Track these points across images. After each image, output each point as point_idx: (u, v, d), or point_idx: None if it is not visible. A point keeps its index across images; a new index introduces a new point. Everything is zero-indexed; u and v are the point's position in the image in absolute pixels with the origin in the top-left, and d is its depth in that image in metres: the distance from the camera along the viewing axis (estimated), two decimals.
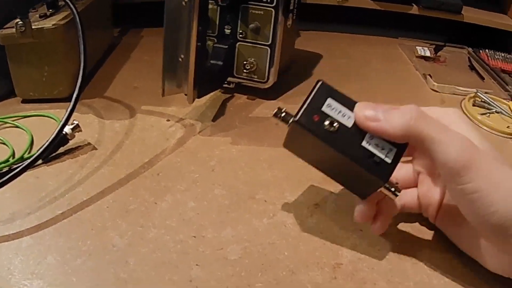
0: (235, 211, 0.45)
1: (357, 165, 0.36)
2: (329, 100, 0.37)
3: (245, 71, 0.64)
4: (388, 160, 0.36)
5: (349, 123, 0.36)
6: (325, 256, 0.41)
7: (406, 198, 0.44)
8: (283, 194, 0.48)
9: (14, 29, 0.56)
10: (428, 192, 0.43)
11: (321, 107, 0.37)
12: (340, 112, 0.37)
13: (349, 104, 0.37)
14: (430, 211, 0.43)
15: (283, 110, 0.38)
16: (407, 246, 0.42)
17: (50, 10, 0.62)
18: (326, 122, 0.36)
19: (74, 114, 0.49)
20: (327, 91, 0.37)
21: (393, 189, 0.37)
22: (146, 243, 0.40)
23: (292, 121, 0.37)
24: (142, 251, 0.40)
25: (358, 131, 0.37)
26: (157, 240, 0.41)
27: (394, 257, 0.41)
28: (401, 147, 0.37)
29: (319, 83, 0.38)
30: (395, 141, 0.36)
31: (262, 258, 0.40)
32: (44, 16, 0.60)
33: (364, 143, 0.36)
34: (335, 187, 0.48)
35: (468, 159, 0.33)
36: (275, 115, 0.38)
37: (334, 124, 0.36)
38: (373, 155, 0.36)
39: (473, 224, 0.36)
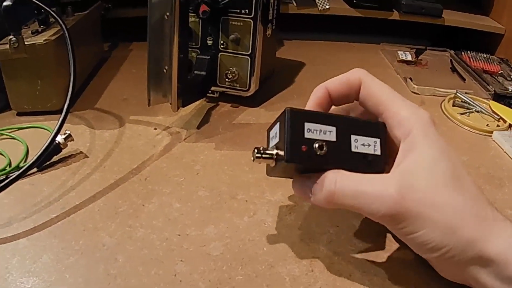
0: (217, 210, 0.47)
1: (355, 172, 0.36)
2: (307, 125, 0.35)
3: (227, 80, 0.65)
4: (378, 153, 0.37)
5: (333, 137, 0.36)
6: (302, 251, 0.42)
7: None
8: (263, 194, 0.50)
9: (8, 45, 0.57)
10: None
11: (303, 135, 0.35)
12: (321, 131, 0.35)
13: (325, 119, 0.36)
14: None
15: (261, 150, 0.36)
16: (382, 240, 0.44)
17: (42, 27, 0.63)
18: (316, 146, 0.35)
19: (67, 125, 0.51)
20: (300, 117, 0.35)
21: None
22: (134, 242, 0.42)
23: (282, 161, 0.35)
24: (130, 249, 0.41)
25: (344, 140, 0.36)
26: (144, 239, 0.43)
27: (370, 251, 0.43)
28: (380, 134, 0.38)
29: (288, 112, 0.35)
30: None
31: (243, 253, 0.42)
32: (36, 33, 0.62)
33: (353, 149, 0.36)
34: None
35: (396, 212, 0.33)
36: (257, 157, 0.36)
37: (324, 147, 0.35)
38: (365, 155, 0.36)
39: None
